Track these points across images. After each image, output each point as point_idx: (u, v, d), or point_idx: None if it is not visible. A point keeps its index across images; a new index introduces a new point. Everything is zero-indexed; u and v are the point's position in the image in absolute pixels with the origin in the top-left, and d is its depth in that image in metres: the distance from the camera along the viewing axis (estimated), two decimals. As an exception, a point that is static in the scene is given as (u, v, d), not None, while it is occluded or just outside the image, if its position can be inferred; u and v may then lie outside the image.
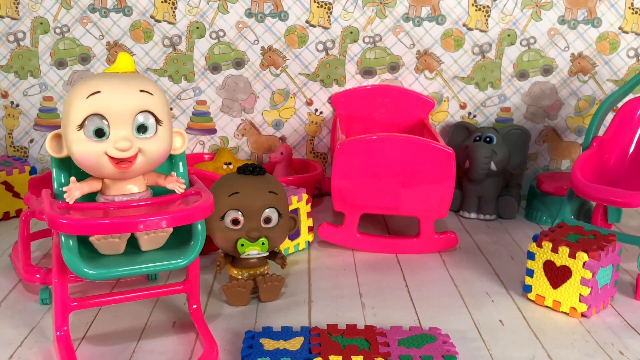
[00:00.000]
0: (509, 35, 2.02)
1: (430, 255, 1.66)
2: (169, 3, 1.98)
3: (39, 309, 1.33)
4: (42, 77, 2.03)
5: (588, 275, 1.29)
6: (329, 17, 2.01)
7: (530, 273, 1.38)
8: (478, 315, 1.33)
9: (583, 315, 1.33)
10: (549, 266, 1.34)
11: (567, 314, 1.33)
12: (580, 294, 1.30)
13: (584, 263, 1.29)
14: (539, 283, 1.37)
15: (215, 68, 2.04)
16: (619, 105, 1.76)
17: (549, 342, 1.23)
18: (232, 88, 2.06)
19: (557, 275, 1.33)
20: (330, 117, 2.09)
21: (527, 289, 1.39)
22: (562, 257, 1.32)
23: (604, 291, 1.34)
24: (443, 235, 1.68)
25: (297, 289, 1.45)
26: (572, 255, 1.30)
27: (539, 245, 1.36)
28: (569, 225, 1.44)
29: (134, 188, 1.14)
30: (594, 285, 1.30)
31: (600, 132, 1.75)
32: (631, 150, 1.66)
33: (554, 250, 1.33)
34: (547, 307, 1.37)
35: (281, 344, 1.14)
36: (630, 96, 1.80)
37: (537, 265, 1.36)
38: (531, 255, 1.37)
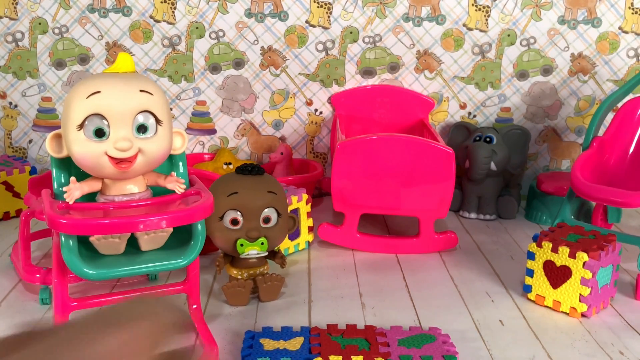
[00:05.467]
0: (508, 35, 2.02)
1: (430, 255, 1.66)
2: (168, 3, 1.98)
3: (39, 309, 1.33)
4: (41, 78, 2.03)
5: (588, 275, 1.29)
6: (328, 17, 2.01)
7: (530, 273, 1.38)
8: (478, 315, 1.33)
9: (583, 315, 1.32)
10: (549, 266, 1.34)
11: (567, 314, 1.33)
12: (580, 294, 1.30)
13: (584, 263, 1.29)
14: (539, 283, 1.36)
15: (214, 68, 2.04)
16: (619, 105, 1.76)
17: (549, 342, 1.23)
18: (231, 88, 2.06)
19: (557, 275, 1.33)
20: (330, 117, 2.09)
21: (527, 289, 1.39)
22: (562, 257, 1.32)
23: (604, 291, 1.34)
24: (443, 235, 1.68)
25: (297, 289, 1.45)
26: (572, 255, 1.30)
27: (539, 245, 1.36)
28: (569, 225, 1.44)
29: (134, 188, 1.14)
30: (594, 285, 1.30)
31: (600, 132, 1.75)
32: (631, 150, 1.66)
33: (554, 250, 1.33)
34: (547, 307, 1.37)
35: (281, 344, 1.14)
36: (630, 96, 1.79)
37: (537, 265, 1.36)
38: (531, 255, 1.37)
